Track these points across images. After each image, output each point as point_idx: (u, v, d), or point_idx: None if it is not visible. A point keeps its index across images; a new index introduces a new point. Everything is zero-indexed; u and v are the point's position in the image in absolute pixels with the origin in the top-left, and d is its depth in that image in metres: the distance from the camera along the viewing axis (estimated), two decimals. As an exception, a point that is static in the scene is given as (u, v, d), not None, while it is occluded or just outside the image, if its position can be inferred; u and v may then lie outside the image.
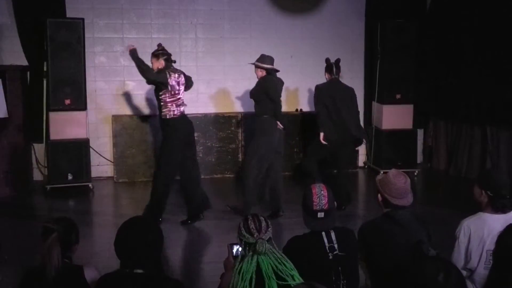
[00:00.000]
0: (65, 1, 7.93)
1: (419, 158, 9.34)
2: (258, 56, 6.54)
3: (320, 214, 3.25)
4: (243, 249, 2.88)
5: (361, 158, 9.31)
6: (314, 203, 3.26)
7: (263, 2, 8.81)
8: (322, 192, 3.29)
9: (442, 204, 7.10)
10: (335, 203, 3.36)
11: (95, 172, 8.21)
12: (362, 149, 9.22)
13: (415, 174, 8.65)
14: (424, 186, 8.69)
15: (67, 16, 7.88)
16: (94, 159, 8.22)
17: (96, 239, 6.10)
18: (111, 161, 8.43)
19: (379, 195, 3.42)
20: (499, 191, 3.47)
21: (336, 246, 3.21)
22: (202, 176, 8.38)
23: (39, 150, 8.12)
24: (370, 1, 9.06)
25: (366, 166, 9.25)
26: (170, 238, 5.86)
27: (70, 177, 7.69)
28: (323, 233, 3.26)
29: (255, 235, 2.84)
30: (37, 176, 8.21)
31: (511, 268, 2.60)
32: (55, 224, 3.13)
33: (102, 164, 8.45)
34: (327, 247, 3.20)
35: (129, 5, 8.39)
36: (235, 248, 2.91)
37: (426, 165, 9.38)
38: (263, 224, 2.90)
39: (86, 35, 7.73)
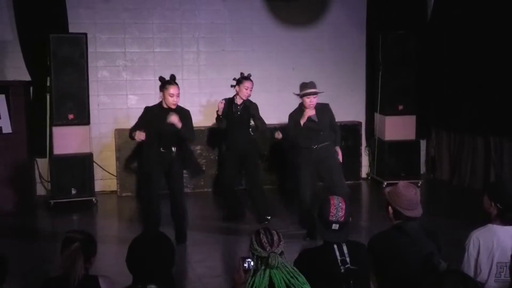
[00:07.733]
0: (67, 17, 7.95)
1: (422, 169, 9.32)
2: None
3: (335, 226, 3.24)
4: (255, 263, 2.86)
5: (364, 170, 9.30)
6: (331, 214, 3.25)
7: (264, 15, 8.84)
8: (340, 204, 3.28)
9: (446, 214, 7.07)
10: (350, 218, 3.34)
11: (98, 186, 8.22)
12: (365, 161, 9.22)
13: (419, 184, 8.60)
14: (427, 196, 8.66)
15: (70, 31, 7.90)
16: (98, 173, 8.22)
17: (101, 253, 5.97)
18: (114, 175, 8.41)
19: (389, 207, 3.41)
20: (509, 204, 3.45)
21: (348, 259, 3.20)
22: (205, 189, 8.47)
23: (42, 165, 8.12)
24: (371, 13, 9.10)
25: (369, 178, 9.23)
26: (180, 253, 5.84)
27: (73, 191, 7.69)
28: (335, 246, 3.24)
29: (267, 249, 2.83)
30: (40, 191, 8.19)
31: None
32: (77, 234, 3.13)
33: (105, 178, 8.44)
34: (339, 260, 3.19)
35: (131, 19, 8.41)
36: (247, 262, 2.89)
37: (429, 175, 9.37)
38: (275, 237, 2.88)
39: (89, 50, 7.76)
